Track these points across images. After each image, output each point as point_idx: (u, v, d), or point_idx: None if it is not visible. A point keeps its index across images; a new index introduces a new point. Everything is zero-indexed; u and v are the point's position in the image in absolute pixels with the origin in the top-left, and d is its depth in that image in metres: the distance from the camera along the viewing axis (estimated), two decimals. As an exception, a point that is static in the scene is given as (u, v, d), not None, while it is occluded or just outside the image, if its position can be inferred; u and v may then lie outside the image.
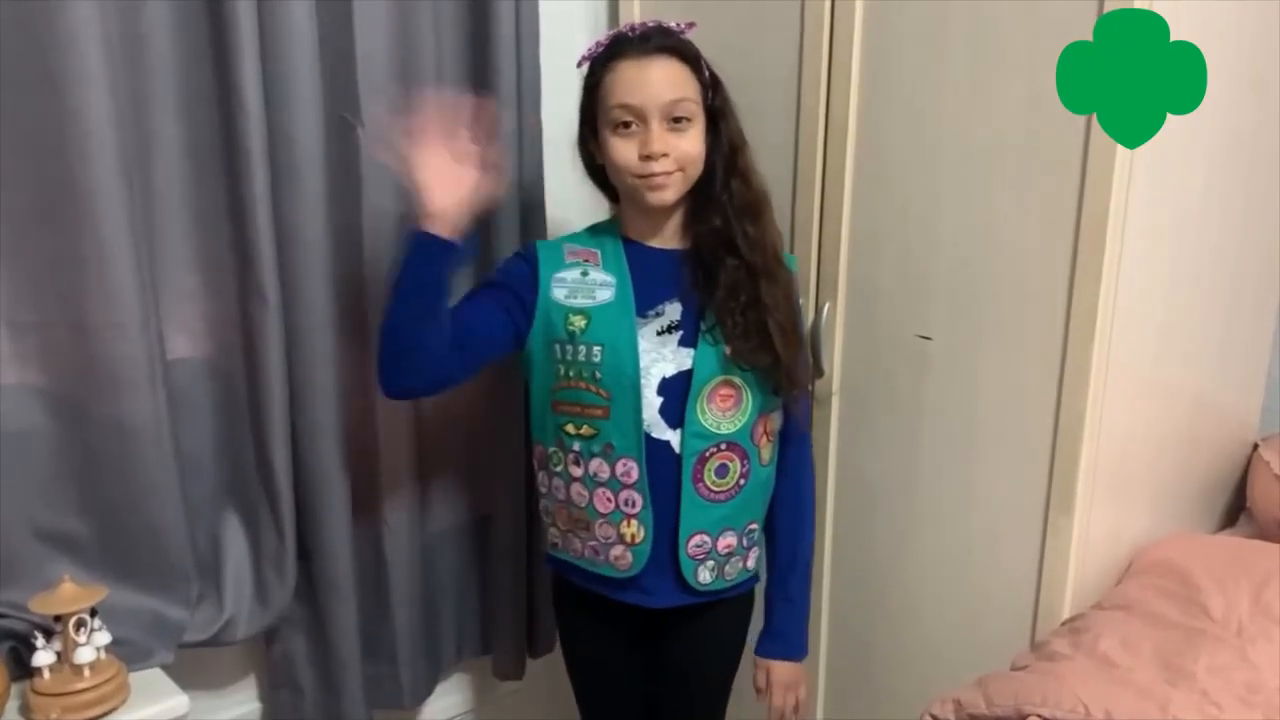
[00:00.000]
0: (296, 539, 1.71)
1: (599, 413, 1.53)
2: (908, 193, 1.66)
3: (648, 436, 1.52)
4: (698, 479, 1.54)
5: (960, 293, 1.63)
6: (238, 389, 1.66)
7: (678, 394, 1.52)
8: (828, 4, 1.69)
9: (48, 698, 1.41)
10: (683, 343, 1.53)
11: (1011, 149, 1.53)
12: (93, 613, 1.44)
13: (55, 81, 1.37)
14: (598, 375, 1.52)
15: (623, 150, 1.48)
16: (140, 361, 1.49)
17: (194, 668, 1.66)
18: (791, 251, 1.82)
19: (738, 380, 1.54)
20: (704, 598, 1.61)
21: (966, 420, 1.66)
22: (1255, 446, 1.91)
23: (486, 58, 1.79)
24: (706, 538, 1.57)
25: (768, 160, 1.80)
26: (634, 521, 1.55)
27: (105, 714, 1.44)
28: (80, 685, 1.42)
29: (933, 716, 1.52)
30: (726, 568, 1.61)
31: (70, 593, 1.42)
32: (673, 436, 1.53)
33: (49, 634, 1.44)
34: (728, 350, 1.52)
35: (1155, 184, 1.49)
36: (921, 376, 1.70)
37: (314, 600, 1.78)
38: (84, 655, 1.42)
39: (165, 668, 1.57)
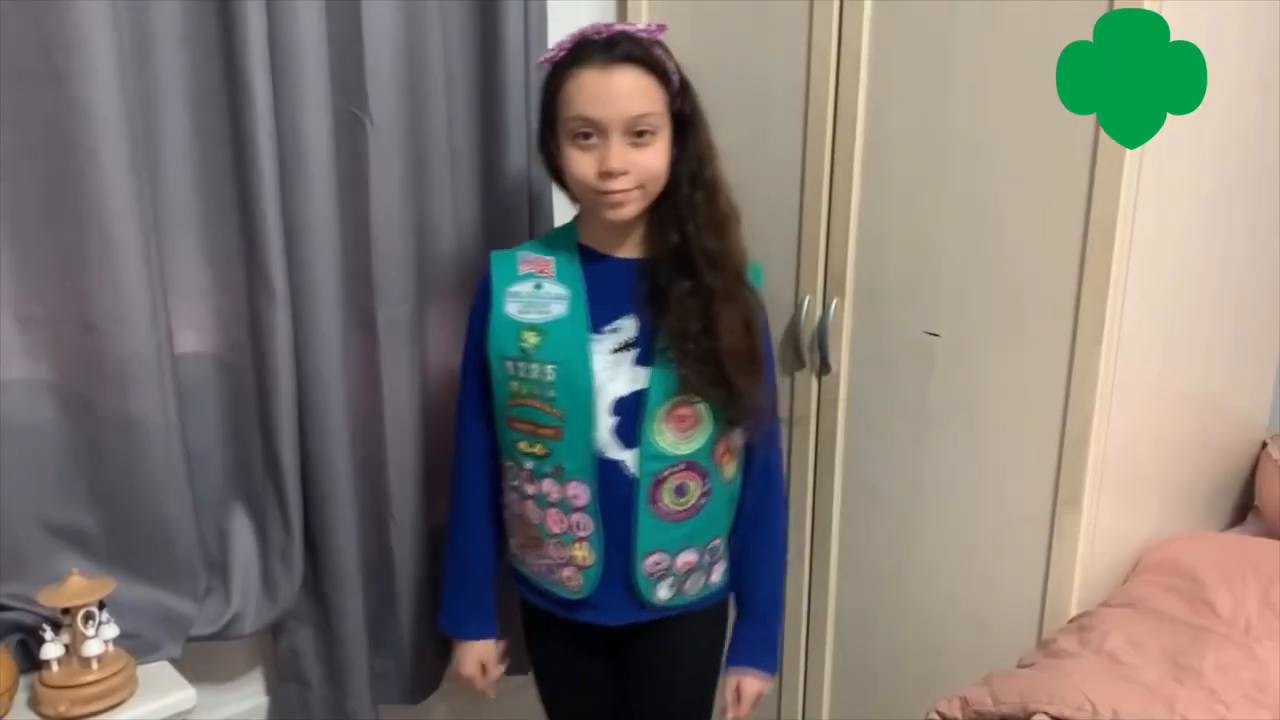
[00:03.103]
0: (304, 533, 1.72)
1: (550, 433, 1.48)
2: (915, 191, 1.66)
3: (600, 458, 1.48)
4: (654, 500, 1.50)
5: (968, 291, 1.63)
6: (246, 384, 1.66)
7: (632, 414, 1.47)
8: (836, 4, 1.69)
9: (56, 690, 1.41)
10: (638, 361, 1.47)
11: (1019, 148, 1.53)
12: (100, 606, 1.44)
13: (64, 76, 1.37)
14: (551, 395, 1.47)
15: (581, 163, 1.41)
16: (148, 356, 1.49)
17: (201, 661, 1.67)
18: (798, 247, 1.82)
19: (695, 401, 1.48)
20: (662, 613, 1.57)
21: (973, 418, 1.66)
22: (1264, 445, 1.91)
23: (494, 55, 1.79)
24: (664, 556, 1.52)
25: (775, 158, 1.81)
26: (584, 544, 1.52)
27: (113, 707, 1.44)
28: (88, 678, 1.42)
29: (939, 714, 1.52)
30: (686, 584, 1.56)
31: (78, 586, 1.42)
32: (626, 456, 1.48)
33: (57, 627, 1.45)
34: (681, 375, 1.46)
35: (1163, 184, 1.49)
36: (928, 374, 1.70)
37: (321, 594, 1.79)
38: (92, 648, 1.43)
39: (172, 661, 1.58)
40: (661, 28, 1.47)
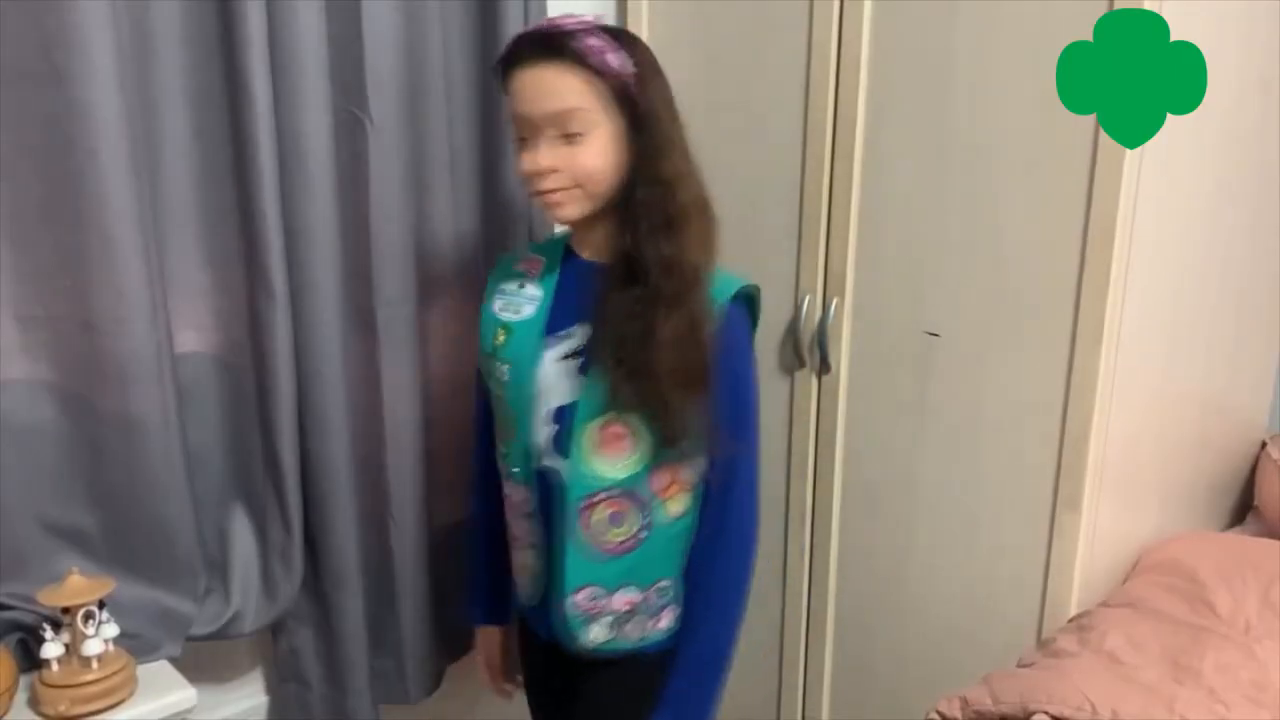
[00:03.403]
0: (304, 533, 1.72)
1: (508, 433, 1.47)
2: (915, 191, 1.66)
3: (540, 466, 1.43)
4: (585, 525, 1.40)
5: (968, 291, 1.63)
6: (246, 383, 1.66)
7: (568, 425, 1.40)
8: (836, 4, 1.69)
9: (56, 689, 1.41)
10: (582, 370, 1.39)
11: (1019, 148, 1.53)
12: (100, 605, 1.44)
13: (64, 76, 1.37)
14: (505, 395, 1.45)
15: (520, 164, 1.36)
16: (148, 356, 1.49)
17: (201, 661, 1.67)
18: (798, 247, 1.81)
19: (629, 421, 1.37)
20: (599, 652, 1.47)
21: (973, 418, 1.66)
22: (1263, 445, 1.91)
23: (494, 55, 1.78)
24: (599, 591, 1.42)
25: (775, 158, 1.81)
26: (534, 551, 1.49)
27: (113, 706, 1.44)
28: (88, 677, 1.42)
29: (939, 714, 1.52)
30: (627, 627, 1.45)
31: (78, 585, 1.42)
32: (562, 467, 1.40)
33: (57, 626, 1.45)
34: (609, 387, 1.36)
35: (1163, 184, 1.49)
36: (928, 374, 1.70)
37: (321, 594, 1.79)
38: (92, 647, 1.43)
39: (172, 661, 1.58)
40: (596, 18, 1.37)
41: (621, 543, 1.41)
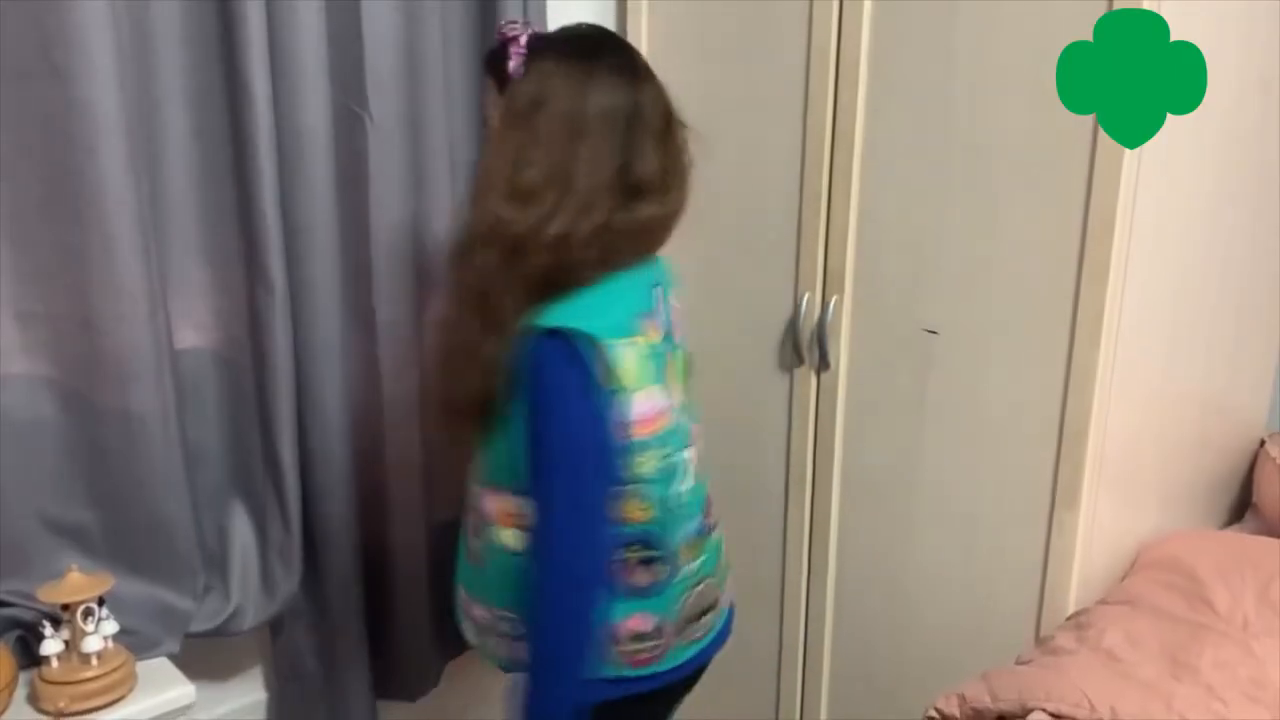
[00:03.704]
0: (303, 530, 1.72)
1: None
2: (915, 190, 1.66)
3: None
4: (466, 526, 1.39)
5: (967, 289, 1.63)
6: (245, 380, 1.67)
7: None
8: (836, 4, 1.69)
9: (55, 686, 1.42)
10: None
11: (1019, 148, 1.53)
12: (100, 602, 1.45)
13: (64, 75, 1.38)
14: None
15: None
16: (147, 352, 1.49)
17: (200, 658, 1.67)
18: (798, 245, 1.81)
19: None
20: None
21: (972, 415, 1.66)
22: (1262, 443, 1.91)
23: (494, 52, 1.80)
24: (464, 593, 1.40)
25: (775, 157, 1.81)
26: None
27: (112, 703, 1.45)
28: (88, 674, 1.43)
29: (937, 711, 1.52)
30: (490, 641, 1.37)
31: (77, 582, 1.43)
32: None
33: (56, 623, 1.45)
34: None
35: (1163, 184, 1.49)
36: (928, 371, 1.70)
37: (320, 591, 1.79)
38: (91, 644, 1.43)
39: (172, 657, 1.58)
40: (513, 23, 1.33)
41: (475, 553, 1.37)
